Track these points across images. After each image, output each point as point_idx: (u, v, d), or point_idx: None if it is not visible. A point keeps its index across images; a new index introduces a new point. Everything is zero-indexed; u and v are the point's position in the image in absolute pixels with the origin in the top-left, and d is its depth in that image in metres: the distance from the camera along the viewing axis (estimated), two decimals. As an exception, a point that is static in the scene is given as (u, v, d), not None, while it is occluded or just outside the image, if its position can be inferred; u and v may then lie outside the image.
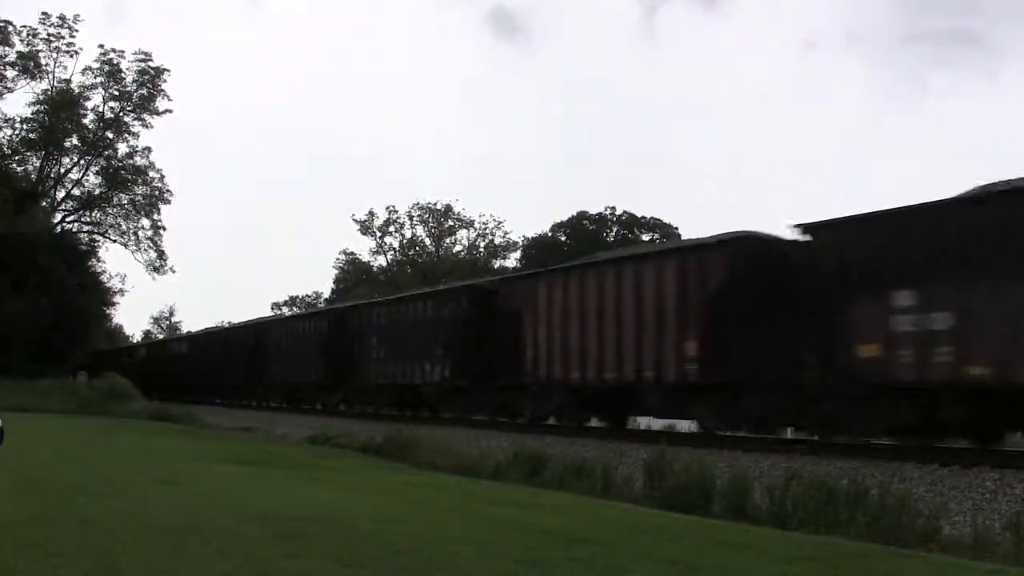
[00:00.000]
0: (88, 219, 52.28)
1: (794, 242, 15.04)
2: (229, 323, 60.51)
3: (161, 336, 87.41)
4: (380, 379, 26.92)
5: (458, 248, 68.17)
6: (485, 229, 67.21)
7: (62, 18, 47.35)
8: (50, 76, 48.31)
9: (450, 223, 67.45)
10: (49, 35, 47.53)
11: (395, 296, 30.32)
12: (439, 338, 23.80)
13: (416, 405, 25.86)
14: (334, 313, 31.97)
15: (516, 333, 20.64)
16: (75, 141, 49.61)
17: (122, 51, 48.53)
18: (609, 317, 18.05)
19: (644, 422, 22.69)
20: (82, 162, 50.27)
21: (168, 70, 49.15)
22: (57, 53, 48.03)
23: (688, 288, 16.51)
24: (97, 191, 51.18)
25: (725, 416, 16.08)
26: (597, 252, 23.94)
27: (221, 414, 34.23)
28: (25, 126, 48.27)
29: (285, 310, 77.82)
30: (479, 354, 22.18)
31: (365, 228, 67.65)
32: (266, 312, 78.45)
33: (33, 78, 47.83)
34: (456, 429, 21.35)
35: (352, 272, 71.59)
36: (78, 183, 50.93)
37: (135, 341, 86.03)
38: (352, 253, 71.82)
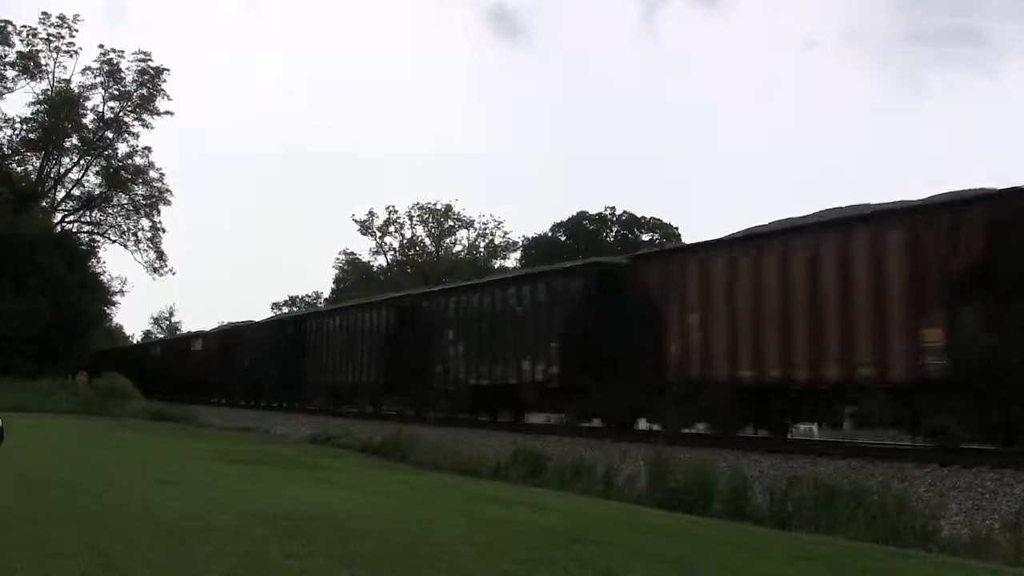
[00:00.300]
0: (88, 219, 52.43)
1: None
2: (224, 322, 60.52)
3: (161, 336, 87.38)
4: (460, 379, 22.84)
5: (458, 248, 68.27)
6: (485, 229, 67.30)
7: (62, 18, 47.50)
8: (50, 76, 48.47)
9: (450, 223, 67.50)
10: (49, 35, 47.69)
11: (482, 280, 25.38)
12: (545, 329, 19.78)
13: (497, 408, 22.54)
14: (402, 302, 27.30)
15: (656, 321, 16.98)
16: (75, 141, 49.74)
17: (122, 51, 48.70)
18: (800, 300, 14.59)
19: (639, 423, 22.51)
20: (82, 162, 50.40)
21: (168, 70, 49.31)
22: (57, 53, 48.18)
23: (924, 259, 13.06)
24: (97, 191, 51.29)
25: (982, 424, 12.57)
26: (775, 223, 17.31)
27: (221, 414, 34.20)
28: (25, 126, 48.40)
29: (285, 310, 77.83)
30: (600, 348, 18.24)
31: (365, 228, 67.72)
32: (266, 312, 78.44)
33: (33, 78, 47.96)
34: (456, 429, 21.33)
35: (352, 272, 71.59)
36: (78, 183, 51.12)
37: (149, 339, 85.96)
38: (352, 253, 71.83)
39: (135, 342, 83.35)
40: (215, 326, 63.39)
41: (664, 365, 16.83)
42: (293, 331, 33.71)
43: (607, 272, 19.13)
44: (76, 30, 47.83)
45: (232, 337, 41.28)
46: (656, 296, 17.22)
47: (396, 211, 67.36)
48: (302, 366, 31.77)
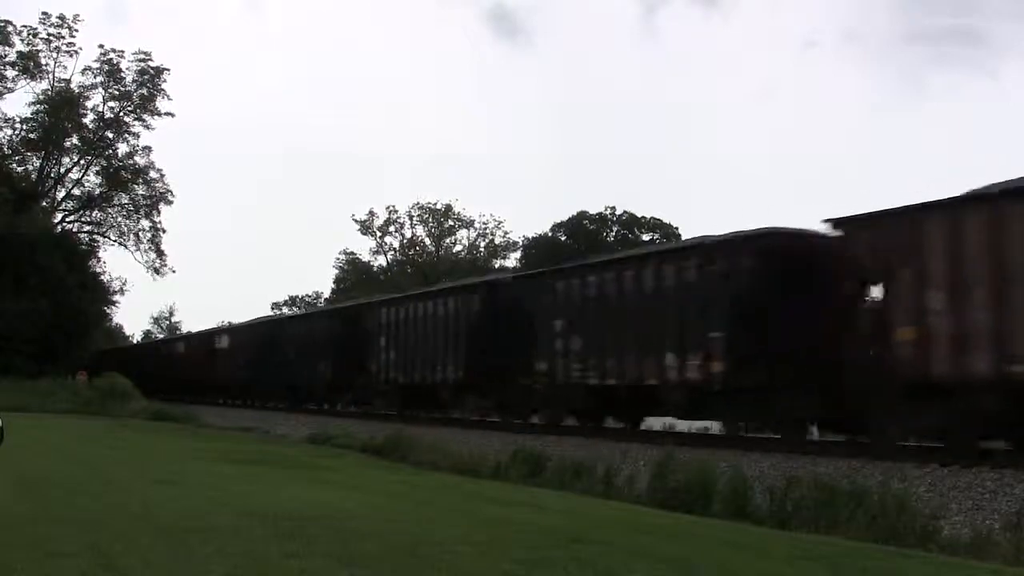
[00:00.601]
0: (88, 219, 52.44)
1: None
2: (225, 322, 60.38)
3: (161, 336, 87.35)
4: (572, 378, 19.05)
5: (458, 248, 68.34)
6: (485, 229, 67.41)
7: (62, 18, 47.47)
8: (50, 76, 48.43)
9: (450, 223, 67.61)
10: (49, 35, 47.63)
11: (608, 257, 20.34)
12: (703, 317, 16.03)
13: (626, 413, 19.00)
14: (491, 287, 23.36)
15: (868, 302, 13.68)
16: (75, 141, 49.70)
17: (122, 51, 48.65)
18: None
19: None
20: (82, 162, 50.39)
21: (168, 70, 49.30)
22: (57, 53, 48.13)
23: None
24: (97, 191, 51.31)
25: None
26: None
27: (222, 414, 34.18)
28: (25, 126, 48.37)
29: (285, 310, 77.83)
30: (781, 339, 14.57)
31: (365, 228, 67.83)
32: (265, 312, 78.33)
33: (33, 78, 47.92)
34: (456, 429, 21.32)
35: (352, 272, 71.67)
36: (78, 183, 51.11)
37: (149, 339, 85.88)
38: (352, 253, 71.91)
39: (135, 341, 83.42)
40: (213, 325, 63.54)
41: (884, 359, 13.21)
42: (347, 324, 29.88)
43: (791, 244, 15.34)
44: (76, 30, 47.87)
45: (267, 332, 37.06)
46: (871, 270, 13.68)
47: (396, 211, 67.56)
48: (366, 363, 27.71)
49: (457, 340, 23.31)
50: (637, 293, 17.50)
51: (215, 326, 61.02)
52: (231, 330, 43.99)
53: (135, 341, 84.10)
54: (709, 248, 16.72)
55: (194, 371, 42.79)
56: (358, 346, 28.21)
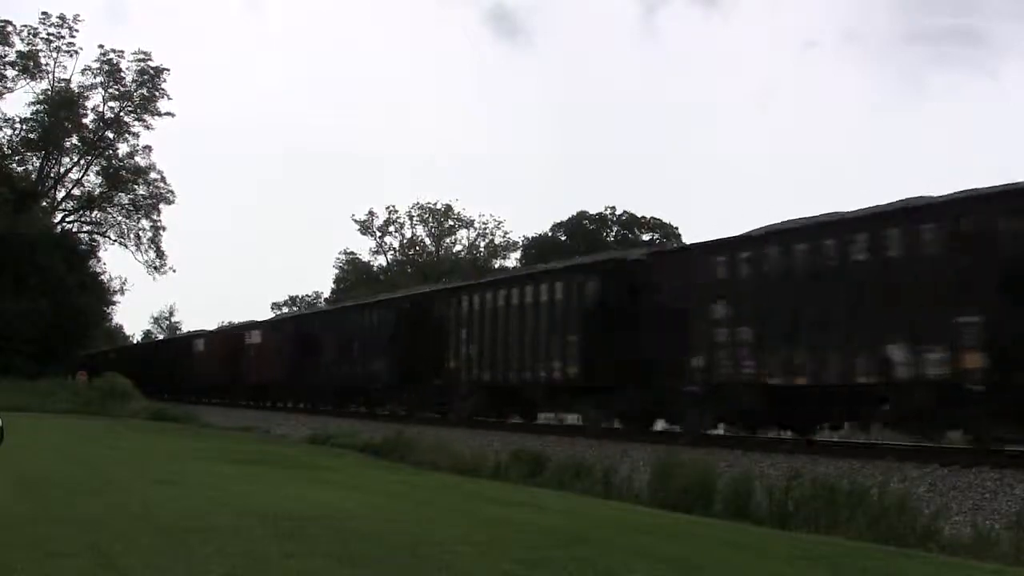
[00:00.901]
0: (88, 219, 52.48)
1: None
2: (226, 322, 60.22)
3: (161, 336, 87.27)
4: (743, 377, 15.38)
5: (458, 248, 68.38)
6: (485, 229, 67.49)
7: (62, 18, 47.60)
8: (50, 76, 48.54)
9: (450, 223, 67.70)
10: (49, 35, 47.78)
11: (784, 226, 15.61)
12: (941, 296, 12.61)
13: (786, 418, 15.61)
14: (618, 268, 18.99)
15: None
16: (75, 141, 49.80)
17: (121, 51, 48.76)
18: None
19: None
20: (82, 162, 50.47)
21: (168, 70, 49.36)
22: (57, 53, 48.28)
23: None
24: (97, 191, 51.35)
25: None
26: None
27: (223, 414, 34.16)
28: (25, 126, 48.43)
29: (285, 310, 77.78)
30: None
31: (365, 228, 67.92)
32: (266, 312, 78.18)
33: (33, 78, 48.04)
34: (456, 429, 21.29)
35: (352, 272, 71.70)
36: (78, 183, 51.22)
37: (149, 338, 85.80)
38: (352, 253, 71.98)
39: (135, 341, 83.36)
40: (214, 325, 63.47)
41: None
42: (413, 314, 26.00)
43: None
44: (76, 30, 48.02)
45: (306, 328, 33.75)
46: None
47: (396, 211, 67.63)
48: (437, 359, 23.83)
49: (567, 332, 19.32)
50: (840, 269, 13.90)
51: (221, 324, 60.75)
52: (261, 325, 40.03)
53: (135, 341, 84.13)
54: (958, 207, 12.71)
55: (219, 371, 39.71)
56: (429, 340, 24.20)
